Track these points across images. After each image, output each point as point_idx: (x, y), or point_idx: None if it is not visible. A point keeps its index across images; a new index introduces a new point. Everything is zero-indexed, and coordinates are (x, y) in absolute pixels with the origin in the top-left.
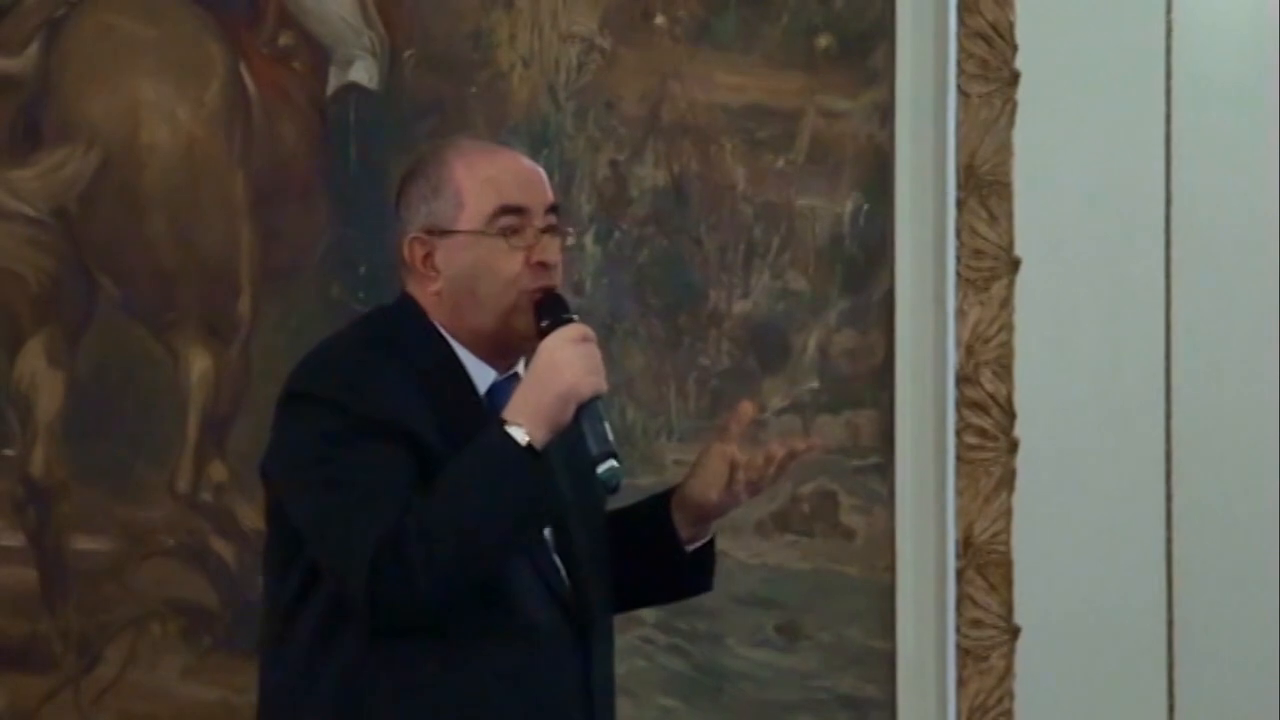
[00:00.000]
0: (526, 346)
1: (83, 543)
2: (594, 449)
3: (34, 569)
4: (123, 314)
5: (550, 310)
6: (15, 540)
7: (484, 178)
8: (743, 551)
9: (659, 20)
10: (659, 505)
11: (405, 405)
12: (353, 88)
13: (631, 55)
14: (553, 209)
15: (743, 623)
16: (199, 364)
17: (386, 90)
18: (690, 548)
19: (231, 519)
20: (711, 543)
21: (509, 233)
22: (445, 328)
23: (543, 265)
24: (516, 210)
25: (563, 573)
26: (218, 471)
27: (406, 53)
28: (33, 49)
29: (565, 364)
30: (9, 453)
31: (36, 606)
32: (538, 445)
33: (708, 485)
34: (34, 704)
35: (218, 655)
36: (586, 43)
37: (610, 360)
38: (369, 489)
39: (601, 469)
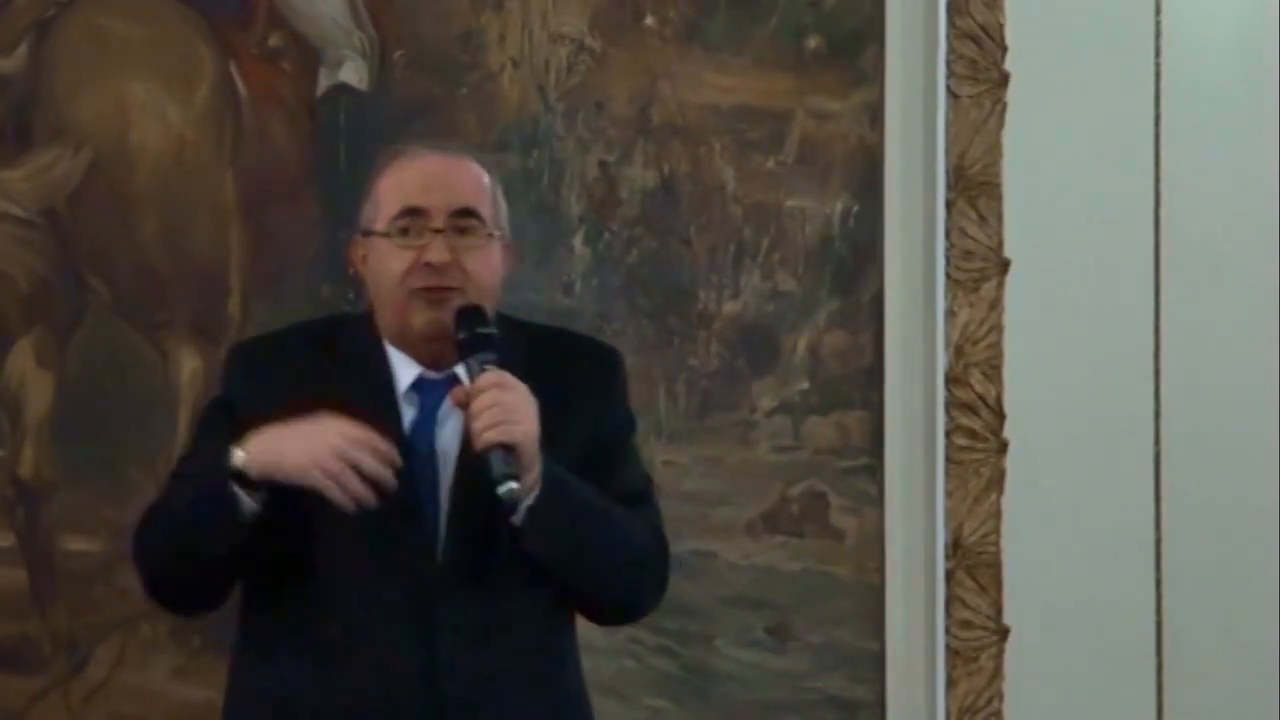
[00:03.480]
0: (435, 347)
1: (72, 543)
2: (495, 472)
3: (23, 569)
4: (112, 314)
5: (466, 324)
6: (4, 541)
7: (394, 181)
8: (733, 552)
9: (649, 21)
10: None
11: (268, 391)
12: (343, 88)
13: (621, 56)
14: (465, 212)
15: (732, 623)
16: (189, 364)
17: (376, 91)
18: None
19: None
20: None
21: (404, 233)
22: (380, 327)
23: (429, 265)
24: (414, 211)
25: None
26: None
27: (396, 53)
28: (22, 49)
29: (291, 441)
30: None
31: (26, 607)
32: (250, 472)
33: None
34: (23, 704)
35: (207, 655)
36: (576, 44)
37: None
38: (173, 476)
39: (501, 489)
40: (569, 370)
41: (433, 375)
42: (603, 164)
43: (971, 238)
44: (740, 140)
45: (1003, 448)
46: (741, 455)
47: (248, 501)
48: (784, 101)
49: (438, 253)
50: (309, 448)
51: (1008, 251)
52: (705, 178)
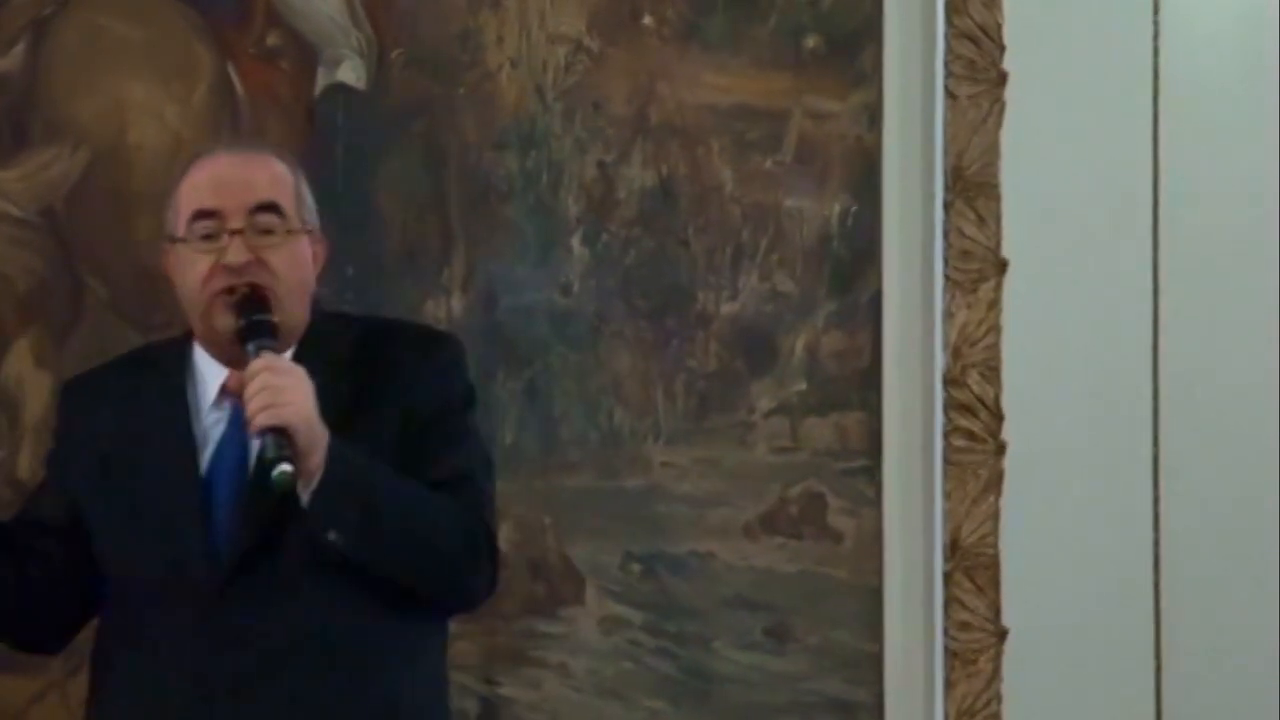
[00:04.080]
0: (238, 349)
1: None
2: (267, 455)
3: None
4: (111, 314)
5: (245, 309)
6: None
7: (189, 185)
8: (731, 554)
9: (647, 21)
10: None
11: (93, 424)
12: (340, 88)
13: (619, 56)
14: (264, 208)
15: (731, 625)
16: None
17: (374, 90)
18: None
19: None
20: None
21: (204, 237)
22: (194, 333)
23: (228, 267)
24: (209, 214)
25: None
26: None
27: (394, 53)
28: (19, 48)
29: None
30: None
31: None
32: None
33: None
34: (22, 705)
35: None
36: (574, 43)
37: (597, 362)
38: None
39: (274, 473)
40: (389, 355)
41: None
42: (601, 164)
43: (969, 238)
44: (738, 140)
45: (1001, 449)
46: (739, 456)
47: None
48: (782, 101)
49: (235, 253)
50: None
51: (1005, 252)
52: (703, 178)
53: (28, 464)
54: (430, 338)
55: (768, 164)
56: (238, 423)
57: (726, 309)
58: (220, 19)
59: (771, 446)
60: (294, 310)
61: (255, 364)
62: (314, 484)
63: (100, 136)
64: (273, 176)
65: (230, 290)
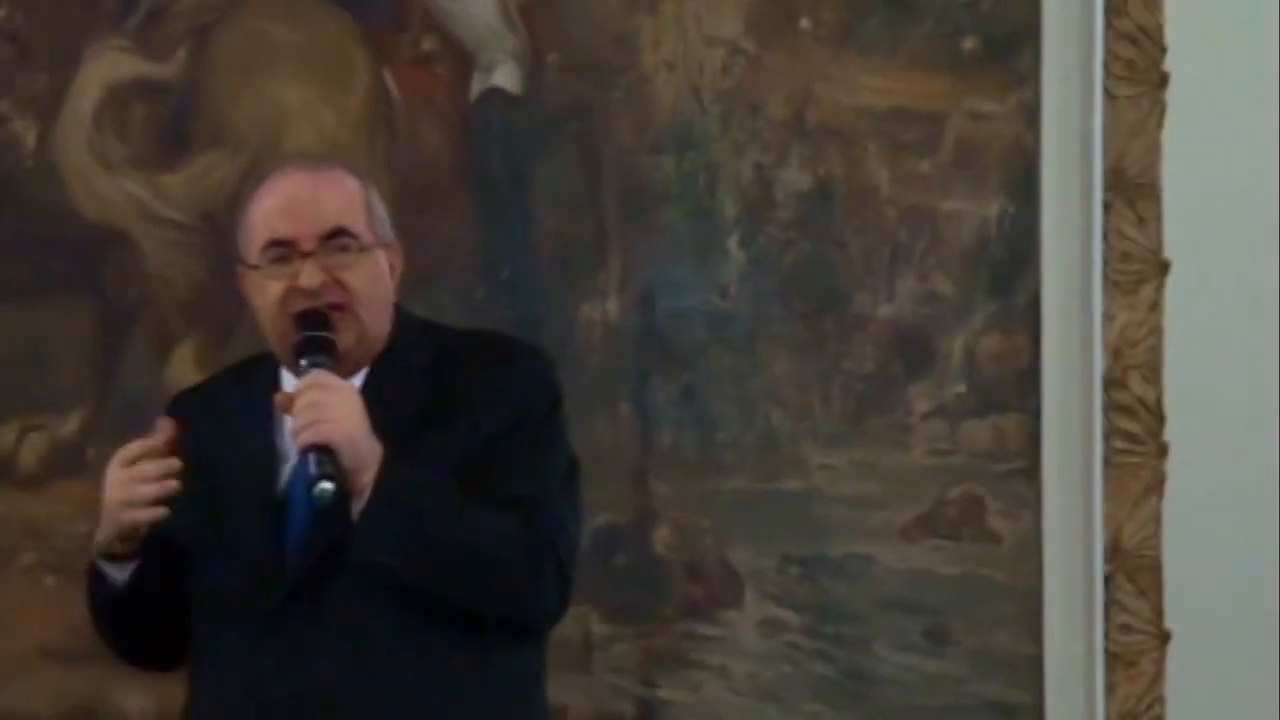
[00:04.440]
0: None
1: None
2: (310, 472)
3: None
4: None
5: (303, 324)
6: None
7: (262, 211)
8: (889, 556)
9: (803, 23)
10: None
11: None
12: (496, 92)
13: (776, 59)
14: (335, 233)
15: (889, 628)
16: None
17: (530, 94)
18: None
19: None
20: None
21: (276, 263)
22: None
23: (303, 290)
24: (282, 243)
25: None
26: None
27: (550, 56)
28: (181, 55)
29: (105, 487)
30: None
31: None
32: (104, 551)
33: None
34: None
35: None
36: (731, 46)
37: (755, 364)
38: None
39: (314, 490)
40: (467, 367)
41: None
42: (758, 166)
43: (1130, 239)
44: (895, 142)
45: (1163, 451)
46: (897, 459)
47: (117, 574)
48: (940, 103)
49: (308, 277)
50: (110, 505)
51: (1167, 253)
52: (860, 180)
53: None
54: (511, 349)
55: (925, 166)
56: None
57: (884, 311)
58: (376, 24)
59: (929, 449)
60: (374, 325)
61: (303, 381)
62: (362, 503)
63: (259, 141)
64: (342, 197)
65: (304, 314)
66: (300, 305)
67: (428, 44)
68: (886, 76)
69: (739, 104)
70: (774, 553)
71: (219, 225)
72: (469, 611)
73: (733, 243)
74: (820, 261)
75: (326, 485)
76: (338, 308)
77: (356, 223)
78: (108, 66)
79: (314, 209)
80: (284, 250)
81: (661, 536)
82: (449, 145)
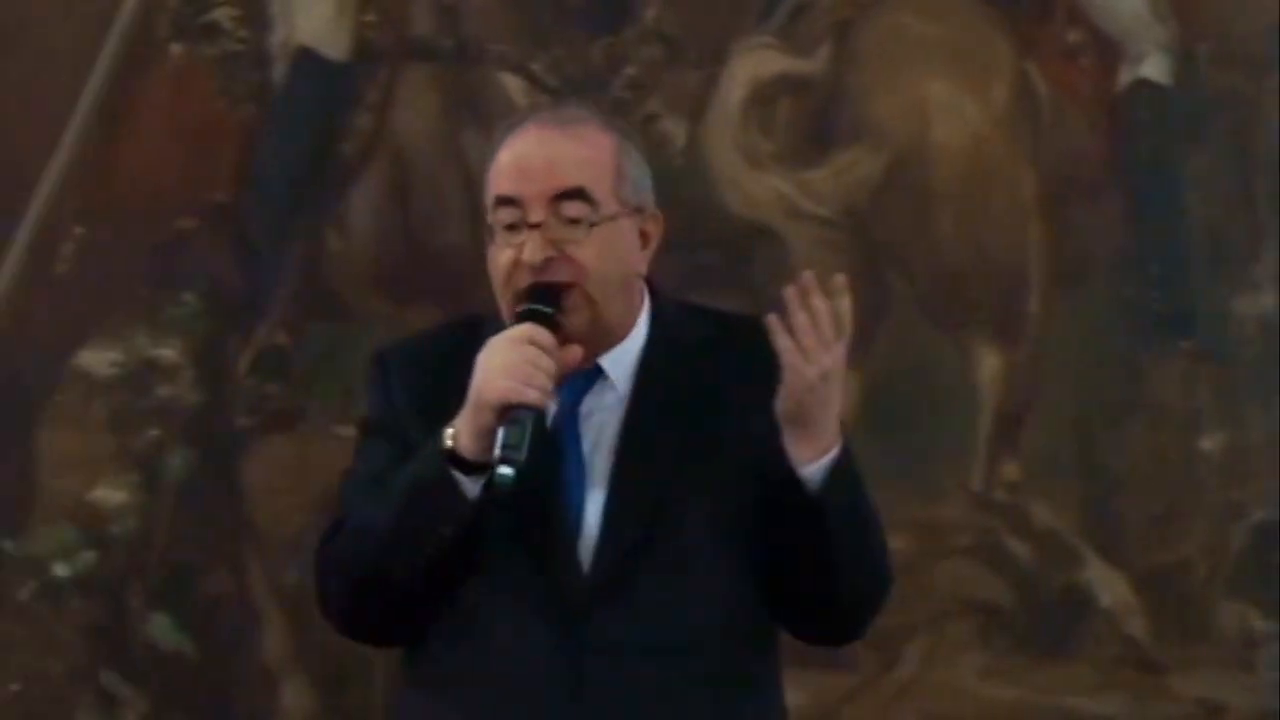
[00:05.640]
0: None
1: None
2: (495, 452)
3: None
4: (914, 312)
5: (530, 297)
6: None
7: (496, 165)
8: None
9: None
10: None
11: (408, 397)
12: (1144, 84)
13: None
14: (568, 194)
15: None
16: (989, 362)
17: (1179, 86)
18: (807, 469)
19: (1025, 518)
20: (834, 470)
21: (506, 228)
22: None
23: (527, 264)
24: (508, 201)
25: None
26: (1011, 471)
27: (1200, 47)
28: (824, 50)
29: (482, 365)
30: None
31: None
32: (461, 450)
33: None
34: (835, 701)
35: (1015, 655)
36: None
37: None
38: (352, 484)
39: (496, 474)
40: (730, 349)
41: (572, 372)
42: None
43: None
44: None
45: None
46: None
47: (469, 485)
48: None
49: (530, 251)
50: (498, 372)
51: None
52: None
53: None
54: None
55: None
56: (573, 418)
57: None
58: (1020, 16)
59: None
60: (610, 305)
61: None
62: (825, 464)
63: (901, 136)
64: (587, 155)
65: (533, 288)
66: (524, 281)
67: (1073, 36)
68: None
69: None
70: None
71: (862, 221)
72: (791, 611)
73: None
74: None
75: (506, 471)
76: (566, 286)
77: (599, 185)
78: (754, 63)
79: (547, 166)
80: (513, 213)
81: None
82: (1096, 138)
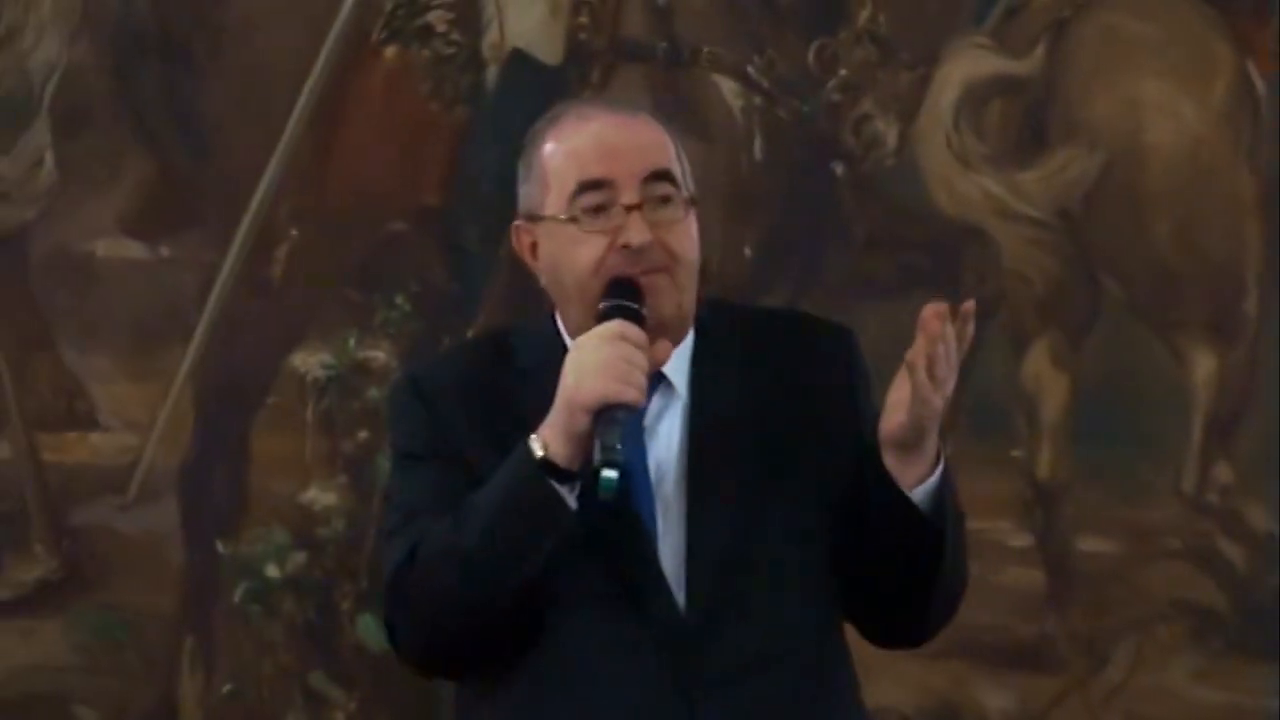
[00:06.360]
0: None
1: (1088, 544)
2: (596, 456)
3: (1041, 570)
4: (1127, 314)
5: (614, 293)
6: (1023, 541)
7: (566, 151)
8: None
9: None
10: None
11: (453, 419)
12: None
13: None
14: (659, 176)
15: None
16: (1204, 364)
17: None
18: (915, 490)
19: (1239, 521)
20: (941, 486)
21: (592, 213)
22: (568, 326)
23: (627, 248)
24: (596, 185)
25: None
26: (1224, 473)
27: None
28: (1039, 50)
29: (573, 366)
30: (1016, 454)
31: (1044, 607)
32: (555, 458)
33: (894, 407)
34: (1044, 704)
35: (1228, 659)
36: None
37: None
38: (409, 511)
39: (601, 476)
40: (777, 348)
41: None
42: None
43: None
44: None
45: None
46: None
47: (567, 496)
48: None
49: (638, 233)
50: (594, 371)
51: None
52: None
53: (1047, 463)
54: (816, 329)
55: None
56: (637, 429)
57: None
58: (1237, 14)
59: None
60: (689, 296)
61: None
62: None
63: (1116, 136)
64: (661, 139)
65: (618, 280)
66: (623, 268)
67: None
68: None
69: None
70: None
71: (1075, 222)
72: (905, 617)
73: None
74: None
75: (611, 474)
76: (661, 270)
77: (676, 171)
78: (967, 64)
79: (634, 148)
80: (600, 197)
81: None
82: None
